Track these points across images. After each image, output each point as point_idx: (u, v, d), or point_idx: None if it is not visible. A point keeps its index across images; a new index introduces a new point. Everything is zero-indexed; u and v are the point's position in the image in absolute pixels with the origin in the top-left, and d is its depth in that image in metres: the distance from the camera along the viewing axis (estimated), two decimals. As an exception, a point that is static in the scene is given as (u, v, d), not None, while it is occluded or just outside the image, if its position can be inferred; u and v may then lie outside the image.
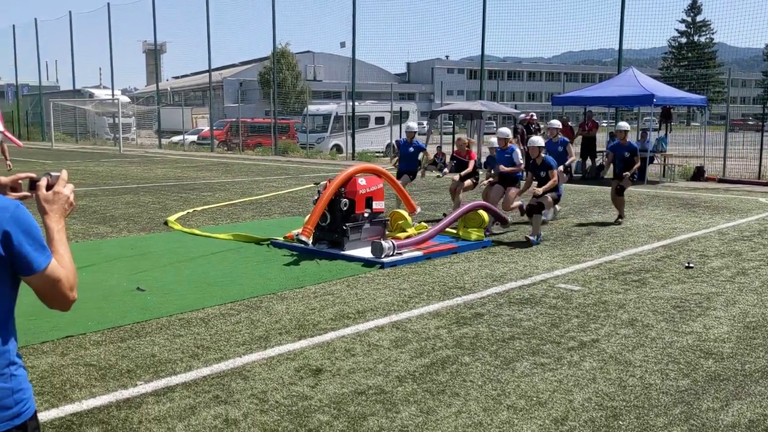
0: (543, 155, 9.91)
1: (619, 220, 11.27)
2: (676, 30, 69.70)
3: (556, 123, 12.64)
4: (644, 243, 9.60)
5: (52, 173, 2.04)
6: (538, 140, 10.08)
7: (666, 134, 21.20)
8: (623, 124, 11.69)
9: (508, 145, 10.64)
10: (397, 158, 12.22)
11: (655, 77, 24.24)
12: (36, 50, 46.73)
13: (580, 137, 19.98)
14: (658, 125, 23.94)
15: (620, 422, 3.93)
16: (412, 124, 12.32)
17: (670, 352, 5.13)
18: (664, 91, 19.54)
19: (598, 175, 19.82)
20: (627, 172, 11.07)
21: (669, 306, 6.39)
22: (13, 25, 48.43)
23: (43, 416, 3.90)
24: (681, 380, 4.57)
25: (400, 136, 25.87)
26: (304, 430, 3.80)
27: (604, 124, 27.42)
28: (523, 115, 21.65)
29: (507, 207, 10.37)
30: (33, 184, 2.01)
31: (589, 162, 20.02)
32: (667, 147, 20.26)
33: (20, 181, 2.04)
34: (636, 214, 12.38)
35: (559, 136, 12.14)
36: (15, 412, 1.89)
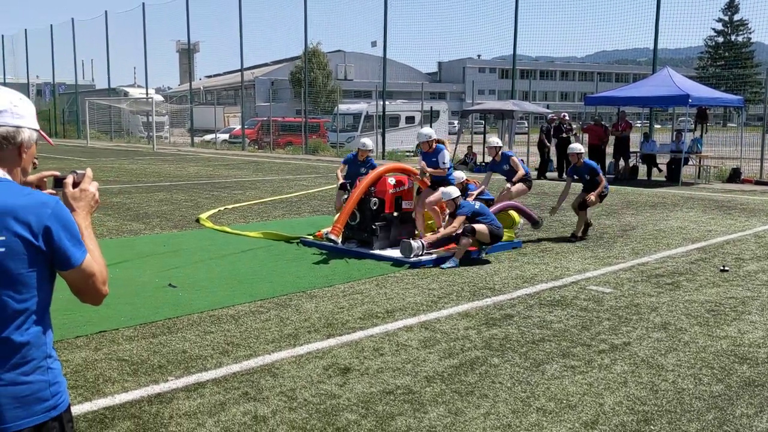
0: (583, 160, 10.04)
1: (576, 236, 9.78)
2: (713, 29, 68.46)
3: (495, 141, 10.75)
4: (678, 245, 9.45)
5: (78, 171, 2.08)
6: (576, 147, 10.22)
7: (701, 135, 20.85)
8: (574, 147, 10.32)
9: (434, 146, 9.01)
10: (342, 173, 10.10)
11: (691, 77, 23.83)
12: (73, 49, 47.61)
13: (613, 138, 19.76)
14: (693, 126, 23.54)
15: (652, 427, 3.88)
16: (367, 141, 10.37)
17: (703, 356, 5.04)
18: (700, 91, 19.20)
19: (632, 176, 19.60)
20: (591, 195, 9.78)
21: (703, 310, 6.28)
22: (51, 25, 49.37)
23: (77, 409, 3.97)
24: (714, 385, 4.49)
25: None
26: (333, 428, 3.82)
27: (638, 125, 27.08)
28: (551, 115, 21.44)
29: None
30: (58, 182, 2.05)
31: (622, 163, 19.78)
32: (702, 148, 19.93)
33: (45, 180, 2.08)
34: (670, 216, 12.19)
35: (502, 152, 10.40)
36: (51, 405, 1.93)
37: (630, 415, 4.02)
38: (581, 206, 9.83)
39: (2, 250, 1.82)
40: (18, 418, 1.86)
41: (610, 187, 10.96)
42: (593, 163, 10.22)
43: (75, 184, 2.04)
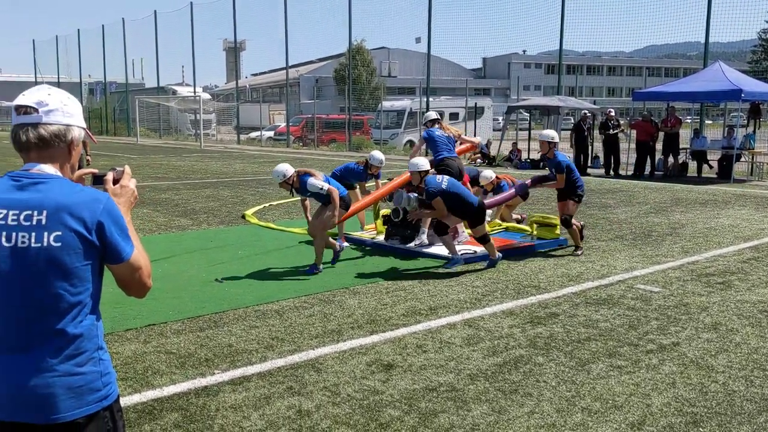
0: (555, 152, 8.57)
1: (576, 252, 8.52)
2: (767, 21, 66.40)
3: (550, 135, 8.91)
4: (729, 244, 9.21)
5: (117, 168, 2.15)
6: (547, 134, 8.80)
7: (754, 131, 20.23)
8: (545, 133, 8.87)
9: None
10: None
11: (744, 71, 23.14)
12: (123, 49, 48.62)
13: (662, 134, 19.35)
14: (745, 122, 22.89)
15: (701, 429, 3.79)
16: (381, 155, 9.33)
17: (755, 358, 4.91)
18: (753, 85, 18.64)
19: (681, 173, 19.16)
20: (569, 207, 8.49)
21: (755, 310, 6.11)
22: (103, 25, 50.50)
23: (127, 401, 4.07)
24: (766, 388, 4.37)
25: (474, 133, 25.72)
26: (375, 424, 3.83)
27: (688, 121, 26.46)
28: (584, 111, 21.07)
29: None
30: (97, 180, 2.11)
31: (671, 160, 19.36)
32: (755, 144, 19.37)
33: (84, 177, 2.14)
34: (721, 214, 11.89)
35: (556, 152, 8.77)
36: (103, 395, 1.99)
37: (678, 417, 3.94)
38: (565, 224, 8.53)
39: (58, 244, 1.88)
40: (72, 408, 1.92)
41: (639, 183, 10.41)
42: (564, 159, 8.58)
43: (115, 181, 2.10)
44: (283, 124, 38.51)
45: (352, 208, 8.33)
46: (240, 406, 4.06)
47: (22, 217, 1.88)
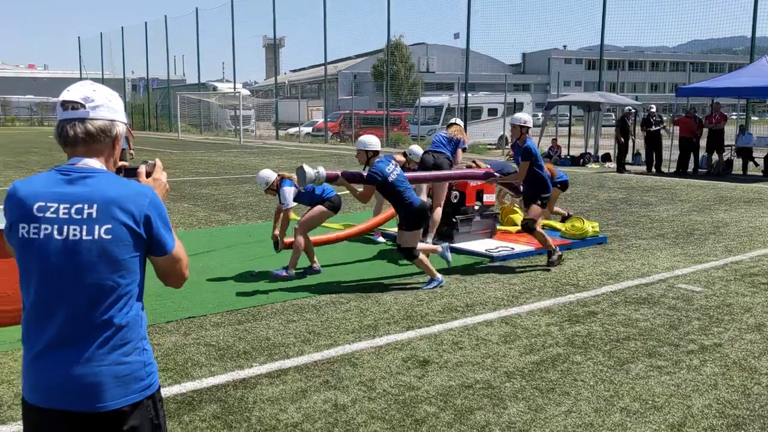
0: (526, 138, 7.54)
1: (552, 258, 7.53)
2: (818, 15, 64.36)
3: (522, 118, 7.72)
4: (775, 243, 8.98)
5: (149, 161, 2.20)
6: (519, 118, 7.63)
7: (803, 127, 19.71)
8: (517, 117, 7.63)
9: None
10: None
11: (793, 66, 22.49)
12: (165, 46, 49.35)
13: (706, 131, 18.94)
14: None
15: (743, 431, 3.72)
16: (417, 149, 8.98)
17: (802, 361, 4.78)
18: (802, 81, 18.12)
19: (726, 170, 18.74)
20: (529, 215, 7.45)
21: (802, 312, 5.96)
22: (146, 23, 51.36)
23: (167, 391, 4.15)
24: (814, 392, 4.25)
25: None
26: (411, 419, 3.84)
27: (734, 117, 25.83)
28: (628, 108, 20.71)
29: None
30: (129, 172, 2.16)
31: (715, 157, 18.95)
32: (803, 141, 18.84)
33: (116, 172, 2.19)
34: (766, 213, 11.59)
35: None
36: (146, 384, 2.04)
37: (720, 419, 3.86)
38: (526, 228, 7.47)
39: (109, 237, 1.93)
40: (118, 396, 1.97)
41: (609, 183, 9.55)
42: (532, 146, 7.44)
43: (147, 174, 2.15)
44: (321, 120, 38.70)
45: (360, 227, 8.29)
46: (277, 398, 4.10)
47: (73, 210, 1.93)
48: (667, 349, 5.00)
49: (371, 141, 7.08)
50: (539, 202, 7.42)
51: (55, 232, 1.92)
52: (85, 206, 1.93)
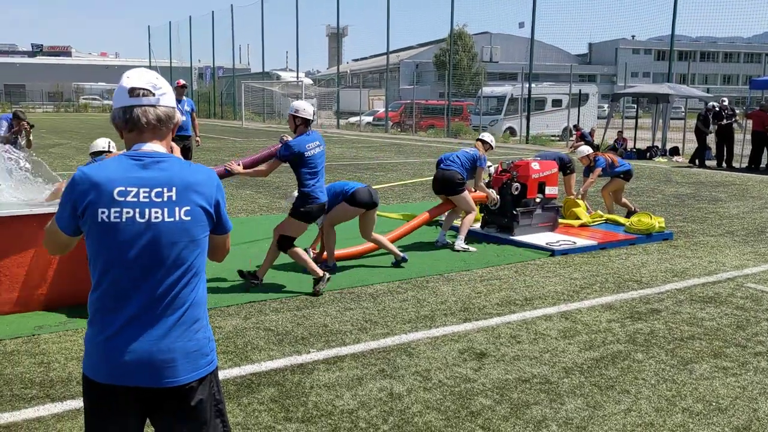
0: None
1: (317, 288, 6.07)
2: None
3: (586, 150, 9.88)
4: None
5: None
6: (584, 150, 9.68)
7: None
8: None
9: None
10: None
11: None
12: (231, 35, 50.22)
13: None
14: None
15: (814, 440, 3.57)
16: (489, 136, 8.57)
17: None
18: None
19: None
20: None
21: None
22: (213, 12, 52.33)
23: (227, 373, 4.24)
24: None
25: (578, 120, 24.96)
26: (466, 411, 3.83)
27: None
28: (712, 103, 20.00)
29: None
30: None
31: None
32: None
33: None
34: None
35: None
36: (210, 359, 2.15)
37: (789, 425, 3.71)
38: (280, 247, 6.23)
39: (189, 218, 2.05)
40: (188, 371, 2.06)
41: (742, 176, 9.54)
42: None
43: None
44: (382, 110, 38.77)
45: (396, 232, 7.97)
46: (333, 385, 4.14)
47: (153, 194, 2.02)
48: (733, 350, 4.84)
49: (301, 106, 6.21)
50: (298, 216, 6.14)
51: (137, 215, 2.00)
52: (165, 190, 2.03)
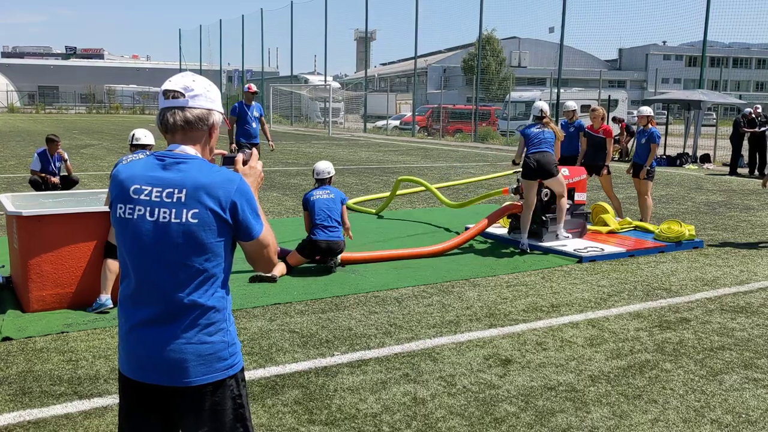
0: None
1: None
2: None
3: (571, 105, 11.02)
4: None
5: (246, 150, 2.31)
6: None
7: None
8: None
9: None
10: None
11: None
12: (260, 38, 50.59)
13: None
14: None
15: None
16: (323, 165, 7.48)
17: None
18: None
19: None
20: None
21: None
22: (243, 15, 52.76)
23: (252, 374, 4.26)
24: None
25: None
26: (491, 417, 3.80)
27: None
28: (748, 110, 19.66)
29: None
30: (227, 160, 2.25)
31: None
32: None
33: (214, 158, 2.27)
34: None
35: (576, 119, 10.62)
36: (229, 364, 2.12)
37: (822, 439, 3.63)
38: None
39: (196, 221, 2.02)
40: (201, 373, 2.07)
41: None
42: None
43: (244, 162, 2.22)
44: (409, 114, 38.74)
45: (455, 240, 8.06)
46: (357, 388, 4.14)
47: (164, 194, 2.03)
48: (765, 361, 4.74)
49: (322, 167, 7.37)
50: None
51: (147, 214, 2.03)
52: (175, 190, 2.03)
